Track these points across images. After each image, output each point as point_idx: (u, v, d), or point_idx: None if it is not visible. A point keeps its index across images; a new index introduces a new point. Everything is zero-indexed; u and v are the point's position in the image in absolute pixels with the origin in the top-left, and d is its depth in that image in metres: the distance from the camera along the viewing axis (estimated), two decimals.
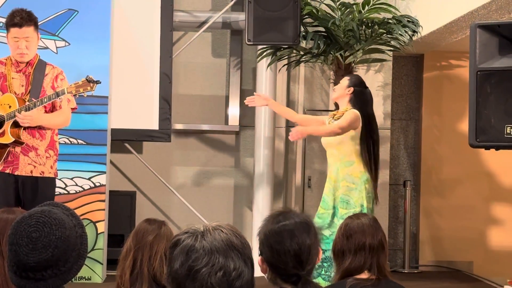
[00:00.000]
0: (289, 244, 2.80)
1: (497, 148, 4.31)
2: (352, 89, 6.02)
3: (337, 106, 6.33)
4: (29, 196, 5.66)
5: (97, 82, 5.63)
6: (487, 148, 4.36)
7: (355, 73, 7.44)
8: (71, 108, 5.83)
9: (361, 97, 6.03)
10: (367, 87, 6.14)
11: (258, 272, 2.58)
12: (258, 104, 6.45)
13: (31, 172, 5.68)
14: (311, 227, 2.88)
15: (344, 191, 5.87)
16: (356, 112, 5.93)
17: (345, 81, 6.11)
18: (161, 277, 3.33)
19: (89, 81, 5.58)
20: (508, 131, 4.13)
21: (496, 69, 4.18)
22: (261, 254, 2.85)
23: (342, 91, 6.05)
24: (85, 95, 5.64)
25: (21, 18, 5.63)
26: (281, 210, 2.95)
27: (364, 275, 3.49)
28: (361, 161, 5.92)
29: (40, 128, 5.71)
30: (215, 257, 1.88)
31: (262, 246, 2.84)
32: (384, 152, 8.43)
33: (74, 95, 5.63)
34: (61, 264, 2.26)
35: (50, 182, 5.78)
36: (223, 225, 1.95)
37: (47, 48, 6.98)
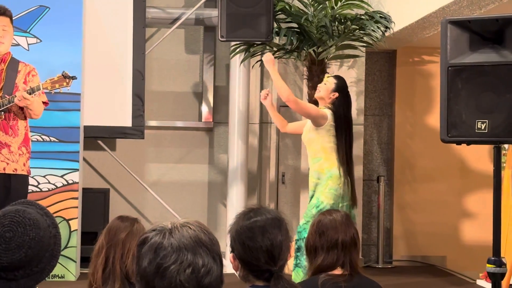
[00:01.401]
0: (261, 239, 2.80)
1: (469, 143, 4.32)
2: (337, 94, 6.13)
3: (316, 103, 6.37)
4: (1, 194, 5.62)
5: (73, 77, 5.60)
6: (459, 143, 4.37)
7: (329, 69, 7.47)
8: (43, 103, 5.79)
9: (344, 102, 6.15)
10: (348, 90, 6.24)
11: (229, 269, 2.58)
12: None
13: (4, 169, 5.64)
14: (282, 223, 2.88)
15: (312, 187, 6.04)
16: (327, 113, 6.04)
17: (331, 83, 6.17)
18: (133, 274, 3.32)
19: (65, 76, 5.55)
20: (479, 126, 4.15)
21: (467, 65, 4.19)
22: (232, 251, 2.84)
23: (327, 93, 6.13)
24: (61, 91, 5.61)
25: None
26: (251, 207, 2.95)
27: (337, 271, 3.50)
28: (329, 158, 6.06)
29: (13, 124, 5.67)
30: (183, 254, 1.87)
31: (234, 243, 2.84)
32: (358, 147, 8.46)
33: (50, 91, 5.59)
34: (34, 265, 2.23)
35: (23, 180, 5.74)
36: (191, 221, 1.94)
37: (18, 45, 6.93)
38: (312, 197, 6.08)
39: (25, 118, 5.75)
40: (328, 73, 6.70)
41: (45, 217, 2.31)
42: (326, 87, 6.15)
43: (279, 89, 6.09)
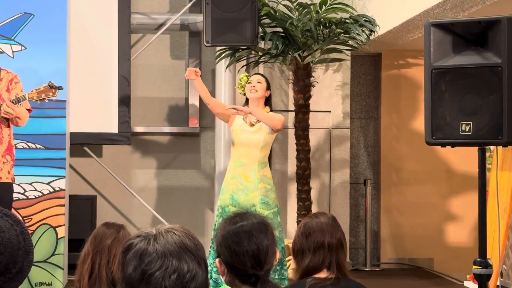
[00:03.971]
0: (247, 244, 2.81)
1: (453, 145, 4.34)
2: (269, 92, 6.39)
3: (247, 102, 6.44)
4: None
5: (59, 88, 5.59)
6: (443, 145, 4.39)
7: (314, 73, 7.49)
8: (27, 110, 5.78)
9: (270, 100, 6.41)
10: None
11: None
12: (191, 77, 6.40)
13: None
14: (268, 228, 2.90)
15: (262, 192, 6.12)
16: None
17: (264, 81, 6.34)
18: (119, 281, 3.31)
19: (51, 86, 5.54)
20: (463, 128, 4.17)
21: (450, 67, 4.21)
22: (218, 256, 2.85)
23: (263, 92, 6.30)
24: (47, 101, 5.60)
25: None
26: (237, 212, 2.96)
27: (324, 274, 3.51)
28: (268, 163, 6.34)
29: None
30: (168, 260, 1.87)
31: (220, 248, 2.85)
32: (344, 151, 8.48)
33: (35, 101, 5.57)
34: (11, 267, 2.22)
35: (7, 188, 5.72)
36: (176, 227, 1.95)
37: (3, 52, 6.91)
38: (264, 203, 6.13)
39: (8, 126, 5.73)
40: (246, 73, 6.79)
41: (5, 218, 2.26)
42: (262, 86, 6.28)
43: (259, 115, 6.21)
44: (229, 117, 6.39)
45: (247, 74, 6.56)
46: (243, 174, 6.18)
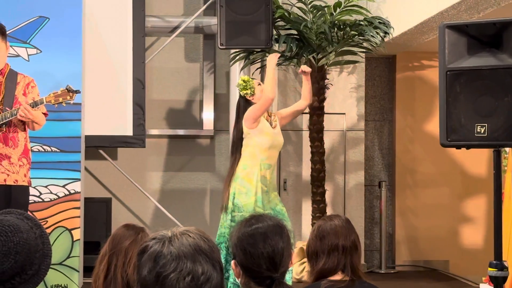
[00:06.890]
0: (263, 246, 2.81)
1: (468, 147, 4.33)
2: None
3: (248, 103, 6.38)
4: (2, 205, 5.61)
5: (77, 91, 5.61)
6: (458, 147, 4.38)
7: (328, 75, 7.49)
8: (43, 113, 5.80)
9: None
10: None
11: None
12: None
13: (5, 180, 5.64)
14: (284, 230, 2.90)
15: (278, 195, 6.19)
16: None
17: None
18: (134, 283, 3.32)
19: (69, 90, 5.56)
20: (478, 130, 4.16)
21: (465, 69, 4.20)
22: (234, 258, 2.86)
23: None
24: (64, 105, 5.63)
25: None
26: (253, 214, 2.96)
27: (338, 276, 3.50)
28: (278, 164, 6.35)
29: (13, 135, 5.68)
30: (183, 262, 1.88)
31: (235, 249, 2.86)
32: (359, 153, 8.48)
33: (53, 105, 5.60)
34: (28, 268, 2.23)
35: (23, 190, 5.74)
36: (191, 229, 1.95)
37: (18, 56, 6.94)
38: (280, 201, 6.14)
39: (24, 130, 5.76)
40: (250, 76, 6.74)
41: (25, 220, 2.29)
42: (261, 88, 6.13)
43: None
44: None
45: (244, 76, 6.33)
46: (269, 176, 6.03)
